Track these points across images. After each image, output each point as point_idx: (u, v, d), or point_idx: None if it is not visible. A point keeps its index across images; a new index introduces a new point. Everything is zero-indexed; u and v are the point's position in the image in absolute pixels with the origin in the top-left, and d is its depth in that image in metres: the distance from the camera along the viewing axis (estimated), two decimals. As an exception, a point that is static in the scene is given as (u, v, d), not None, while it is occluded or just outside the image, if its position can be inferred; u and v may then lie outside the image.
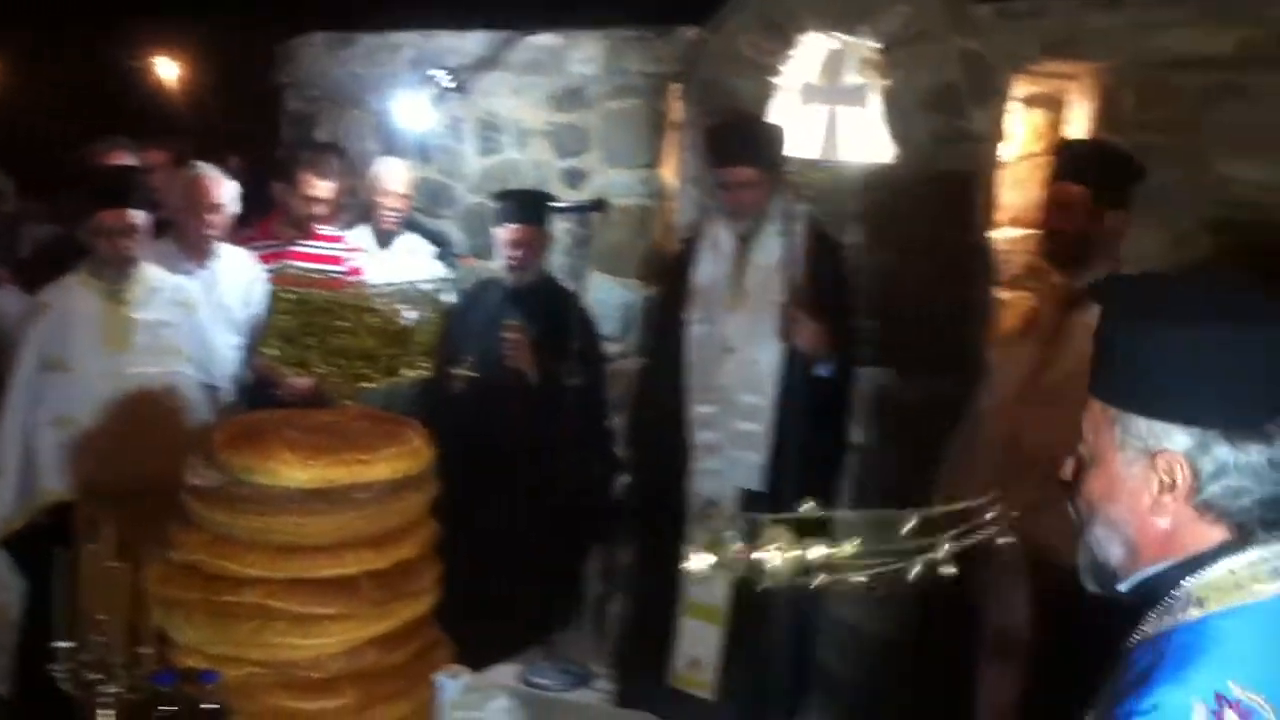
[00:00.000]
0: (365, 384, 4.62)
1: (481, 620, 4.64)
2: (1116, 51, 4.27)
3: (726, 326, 4.30)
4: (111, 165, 5.09)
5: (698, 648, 4.40)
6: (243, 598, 2.45)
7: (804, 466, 4.16)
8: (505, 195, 5.07)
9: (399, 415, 2.95)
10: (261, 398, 4.76)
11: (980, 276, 4.51)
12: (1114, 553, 1.61)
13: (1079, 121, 4.67)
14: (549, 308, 4.77)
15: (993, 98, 4.39)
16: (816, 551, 2.12)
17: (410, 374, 4.72)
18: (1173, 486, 1.53)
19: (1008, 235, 4.72)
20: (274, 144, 6.54)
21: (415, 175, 5.78)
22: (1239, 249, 3.87)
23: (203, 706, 2.43)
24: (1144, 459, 1.55)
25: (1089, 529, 1.64)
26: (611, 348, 5.31)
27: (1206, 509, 1.53)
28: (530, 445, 4.78)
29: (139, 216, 4.29)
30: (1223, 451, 1.51)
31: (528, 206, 4.90)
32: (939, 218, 4.48)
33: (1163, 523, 1.56)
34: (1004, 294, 4.67)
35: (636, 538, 4.86)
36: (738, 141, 4.27)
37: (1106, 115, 4.52)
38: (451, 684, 3.03)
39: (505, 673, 4.75)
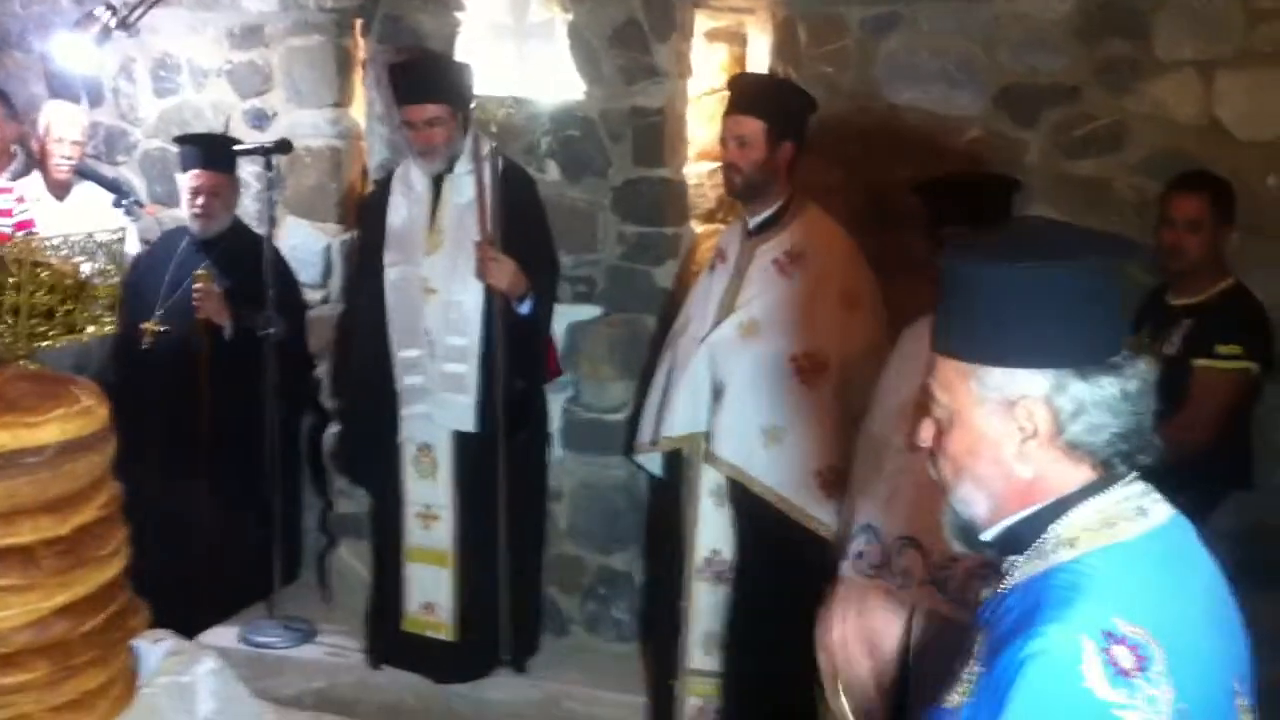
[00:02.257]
0: (43, 343, 4.35)
1: (194, 583, 4.52)
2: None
3: (426, 268, 4.26)
4: None
5: (430, 592, 4.40)
6: (-95, 576, 2.28)
7: (511, 406, 4.19)
8: (186, 140, 4.86)
9: (64, 374, 2.80)
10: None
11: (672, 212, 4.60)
12: (979, 509, 1.61)
13: (759, 55, 4.83)
14: (240, 256, 4.61)
15: (675, 33, 4.46)
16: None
17: (93, 330, 4.47)
18: (1035, 433, 1.54)
19: (700, 170, 4.85)
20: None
21: (89, 121, 5.46)
22: (913, 175, 4.07)
23: None
24: (1004, 409, 1.55)
25: (955, 490, 1.63)
26: (312, 295, 5.19)
27: (1071, 449, 1.54)
28: (230, 398, 4.63)
29: None
30: (1078, 389, 1.52)
31: (211, 152, 4.71)
32: (631, 153, 4.54)
33: (1027, 471, 1.56)
34: (699, 227, 4.79)
35: (354, 486, 4.79)
36: (422, 79, 4.21)
37: (783, 49, 4.69)
38: (151, 649, 2.92)
39: (225, 634, 4.64)
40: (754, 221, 3.95)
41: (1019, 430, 1.55)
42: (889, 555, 3.07)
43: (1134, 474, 1.57)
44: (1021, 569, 1.55)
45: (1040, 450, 1.55)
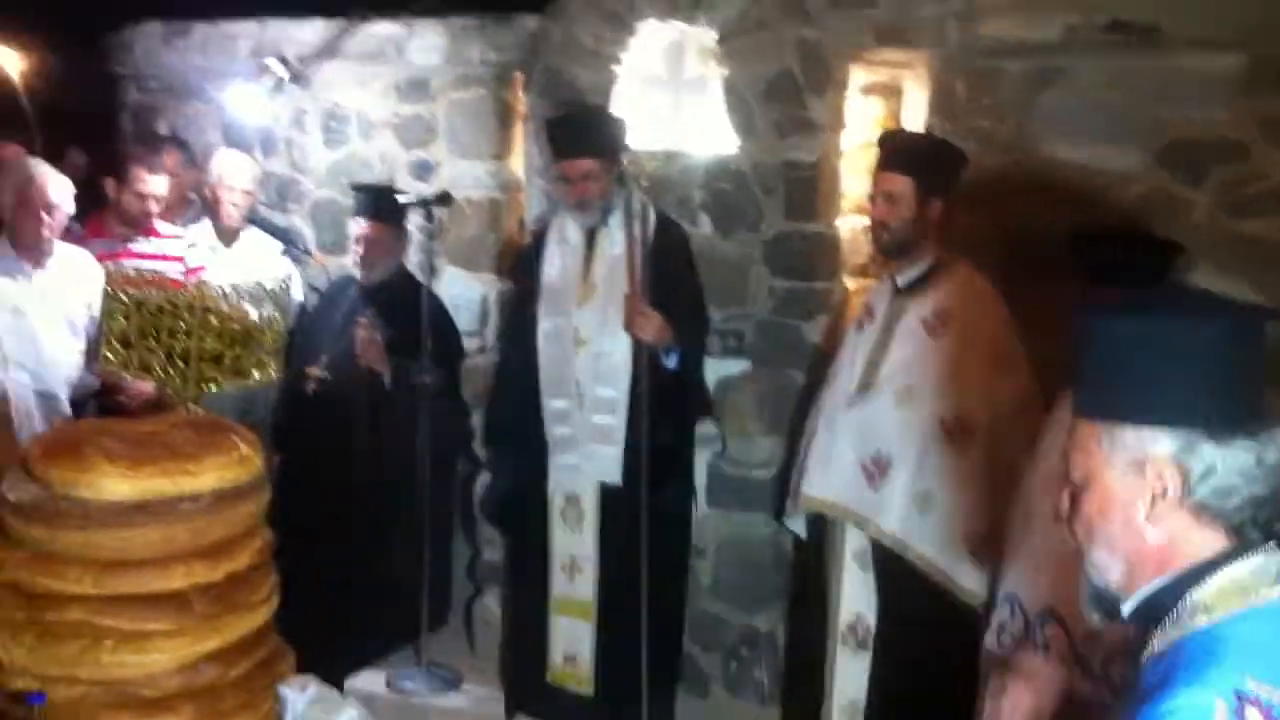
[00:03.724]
0: (211, 387, 4.53)
1: (346, 628, 4.61)
2: (945, 40, 4.36)
3: (578, 320, 4.31)
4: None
5: (572, 644, 4.43)
6: (68, 616, 2.39)
7: (657, 459, 4.20)
8: (357, 189, 5.02)
9: (226, 422, 2.90)
10: (108, 404, 4.65)
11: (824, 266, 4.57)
12: (1113, 575, 1.63)
13: (916, 109, 4.78)
14: (403, 305, 4.72)
15: (830, 86, 4.46)
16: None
17: (259, 375, 4.63)
18: (1165, 493, 1.56)
19: (854, 224, 4.82)
20: (114, 138, 6.35)
21: (262, 169, 5.67)
22: (1067, 231, 3.97)
23: (29, 730, 2.38)
24: (1134, 470, 1.57)
25: (1088, 554, 1.66)
26: (469, 343, 5.29)
27: (1200, 512, 1.56)
28: (387, 445, 4.73)
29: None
30: (1209, 451, 1.54)
31: (376, 202, 4.84)
32: (783, 207, 4.54)
33: (1159, 535, 1.58)
34: (851, 283, 4.76)
35: (502, 537, 4.86)
36: (576, 133, 4.27)
37: (940, 103, 4.63)
38: (296, 696, 2.99)
39: (374, 679, 4.73)
40: (903, 280, 3.91)
41: (1149, 491, 1.57)
42: (1032, 629, 2.98)
43: (1272, 542, 1.57)
44: (1159, 639, 1.56)
45: (1171, 513, 1.57)
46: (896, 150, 3.90)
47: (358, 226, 4.84)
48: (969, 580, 3.60)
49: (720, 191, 4.65)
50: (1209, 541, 1.57)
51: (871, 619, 3.87)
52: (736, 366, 4.63)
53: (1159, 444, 1.55)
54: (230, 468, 2.56)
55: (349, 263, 4.98)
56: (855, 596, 3.89)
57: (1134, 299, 1.74)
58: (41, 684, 2.40)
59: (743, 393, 4.55)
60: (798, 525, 4.23)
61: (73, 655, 2.39)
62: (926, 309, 3.84)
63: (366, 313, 4.71)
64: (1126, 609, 1.64)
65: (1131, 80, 4.23)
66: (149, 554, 2.43)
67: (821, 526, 4.04)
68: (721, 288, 4.58)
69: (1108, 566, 1.63)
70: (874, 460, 3.81)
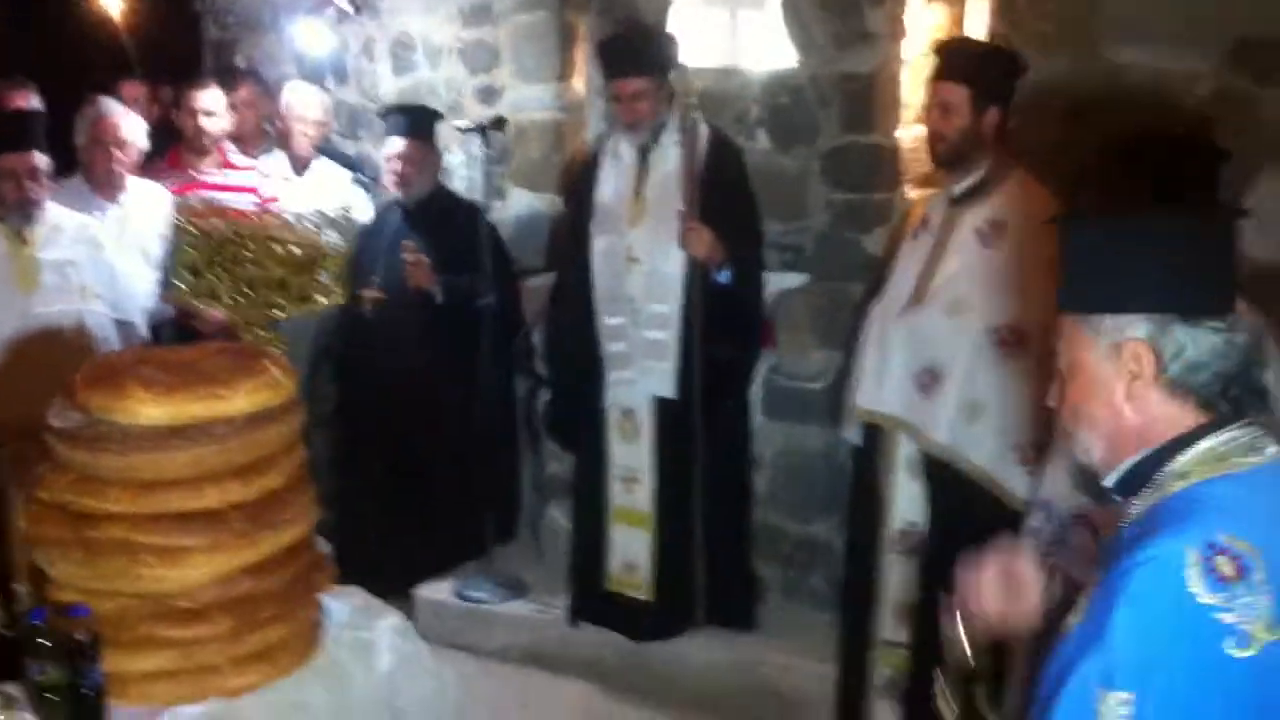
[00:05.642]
0: (276, 313, 4.66)
1: (413, 539, 4.77)
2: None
3: (630, 237, 4.34)
4: (11, 109, 5.07)
5: (630, 553, 4.52)
6: (109, 533, 2.51)
7: (711, 374, 4.23)
8: (387, 111, 5.09)
9: (260, 348, 2.99)
10: (184, 330, 4.81)
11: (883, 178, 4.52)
12: (1097, 452, 1.76)
13: (978, 16, 4.66)
14: (448, 225, 4.80)
15: (888, -5, 4.38)
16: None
17: (324, 300, 4.76)
18: (1140, 373, 1.68)
19: (916, 134, 4.74)
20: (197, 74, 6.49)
21: (333, 98, 5.76)
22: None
23: (75, 638, 2.52)
24: (1112, 352, 1.70)
25: (1075, 436, 1.79)
26: (535, 263, 5.35)
27: (1173, 389, 1.68)
28: (445, 363, 4.83)
29: (40, 159, 4.29)
30: (1180, 332, 1.66)
31: (408, 121, 4.92)
32: (841, 119, 4.49)
33: (1137, 413, 1.70)
34: (913, 193, 4.69)
35: (563, 451, 4.95)
36: (626, 53, 4.28)
37: (1001, 8, 4.52)
38: (338, 605, 3.11)
39: (441, 588, 4.88)
40: (957, 189, 3.85)
41: (1127, 372, 1.69)
42: (1063, 533, 2.97)
43: (1246, 419, 1.68)
44: (1137, 506, 1.69)
45: (1146, 392, 1.68)
46: (951, 59, 3.82)
47: (392, 147, 4.90)
48: (1019, 488, 3.58)
49: (778, 106, 4.62)
50: (1182, 417, 1.68)
51: (923, 526, 3.88)
52: (795, 280, 4.61)
53: (1134, 328, 1.67)
54: (261, 391, 2.64)
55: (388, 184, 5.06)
56: (907, 505, 3.89)
57: (1104, 201, 1.93)
58: (86, 597, 2.53)
59: (798, 306, 4.53)
60: (853, 436, 4.24)
61: (114, 570, 2.51)
62: (980, 218, 3.78)
63: (411, 234, 4.79)
64: (1109, 481, 1.75)
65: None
66: (184, 475, 2.53)
67: (875, 436, 4.04)
68: (780, 202, 4.56)
69: (1092, 445, 1.75)
70: (926, 371, 3.78)
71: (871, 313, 4.05)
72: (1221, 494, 1.61)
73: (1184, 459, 1.66)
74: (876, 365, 3.89)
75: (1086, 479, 1.83)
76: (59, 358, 4.21)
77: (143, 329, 4.66)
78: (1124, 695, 1.51)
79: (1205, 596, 1.51)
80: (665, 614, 4.46)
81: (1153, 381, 1.67)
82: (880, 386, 3.87)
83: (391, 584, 4.83)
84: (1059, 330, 1.78)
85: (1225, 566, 1.52)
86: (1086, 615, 1.61)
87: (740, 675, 4.33)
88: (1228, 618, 1.50)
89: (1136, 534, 1.62)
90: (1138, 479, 1.71)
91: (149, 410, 2.51)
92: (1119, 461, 1.73)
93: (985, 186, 3.80)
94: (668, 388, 4.31)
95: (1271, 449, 1.67)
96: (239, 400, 2.60)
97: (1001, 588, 1.98)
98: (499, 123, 4.74)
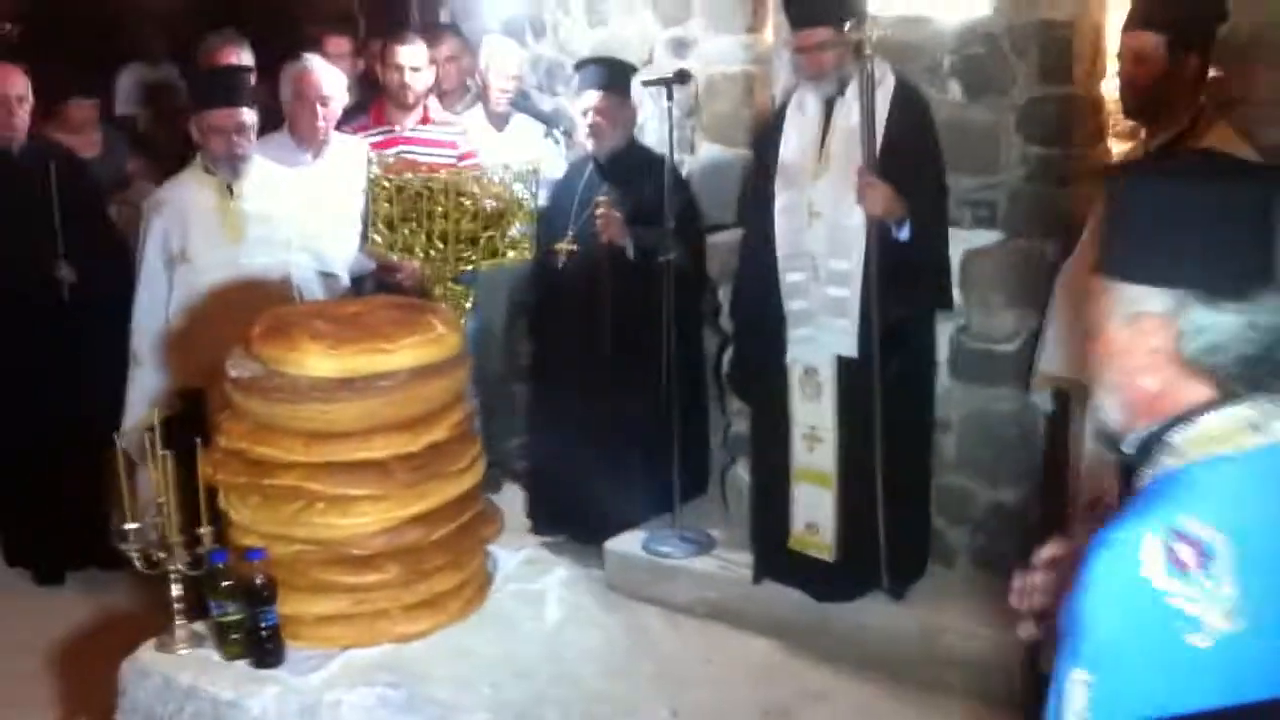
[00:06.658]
0: (468, 266, 4.77)
1: (608, 491, 4.85)
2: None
3: (812, 193, 4.27)
4: (220, 65, 5.30)
5: (813, 512, 4.50)
6: (282, 480, 2.64)
7: (892, 332, 4.15)
8: (581, 63, 5.11)
9: (427, 304, 3.08)
10: (386, 281, 4.98)
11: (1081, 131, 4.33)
12: (1113, 415, 1.73)
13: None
14: (641, 179, 4.82)
15: (1089, -62, 4.17)
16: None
17: (513, 254, 4.85)
18: (1156, 348, 1.64)
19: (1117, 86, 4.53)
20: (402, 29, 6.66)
21: (530, 54, 5.83)
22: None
23: (253, 580, 2.67)
24: (1131, 323, 1.65)
25: (1095, 396, 1.77)
26: (726, 218, 5.32)
27: (1190, 367, 1.63)
28: (632, 319, 4.87)
29: (248, 115, 4.48)
30: (1200, 312, 1.60)
31: (602, 73, 4.94)
32: (1038, 69, 4.31)
33: (1153, 384, 1.66)
34: (1116, 147, 4.49)
35: (747, 408, 4.93)
36: (809, 3, 4.18)
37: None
38: (509, 556, 3.20)
39: (630, 541, 4.96)
40: (1154, 144, 3.67)
41: (1144, 344, 1.64)
42: None
43: (1259, 394, 1.62)
44: (1139, 479, 1.66)
45: (1164, 365, 1.64)
46: (1144, 3, 3.63)
47: (586, 100, 4.93)
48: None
49: (971, 56, 4.45)
50: (1198, 394, 1.64)
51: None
52: (988, 237, 4.47)
53: (1152, 302, 1.62)
54: (426, 346, 2.73)
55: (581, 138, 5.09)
56: (1094, 472, 3.76)
57: (1141, 167, 1.85)
58: (264, 541, 2.67)
59: (990, 265, 4.39)
60: (1044, 400, 4.11)
61: (288, 516, 2.64)
62: (1179, 174, 3.59)
63: (604, 188, 4.82)
64: (1127, 447, 1.72)
65: None
66: (352, 426, 2.64)
67: (1066, 402, 3.91)
68: (972, 156, 4.41)
69: (1110, 408, 1.73)
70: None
71: (1061, 274, 3.91)
72: (1209, 478, 1.57)
73: (1180, 436, 1.62)
74: (1061, 328, 3.76)
75: (1105, 436, 1.76)
76: (264, 308, 4.42)
77: (345, 281, 4.84)
78: (1085, 675, 1.53)
79: (1161, 582, 1.50)
80: (848, 576, 4.41)
81: (1169, 358, 1.64)
82: (1064, 349, 3.74)
83: (584, 535, 4.97)
84: (1090, 288, 1.74)
85: (1185, 554, 1.50)
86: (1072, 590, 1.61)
87: (923, 642, 4.25)
88: (1184, 605, 1.49)
89: (1123, 509, 1.61)
90: (1147, 449, 1.67)
91: (318, 362, 2.63)
92: (1133, 428, 1.70)
93: (1185, 140, 3.61)
94: (849, 346, 4.23)
95: (1277, 430, 1.61)
96: (404, 355, 2.69)
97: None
98: (683, 76, 4.72)
